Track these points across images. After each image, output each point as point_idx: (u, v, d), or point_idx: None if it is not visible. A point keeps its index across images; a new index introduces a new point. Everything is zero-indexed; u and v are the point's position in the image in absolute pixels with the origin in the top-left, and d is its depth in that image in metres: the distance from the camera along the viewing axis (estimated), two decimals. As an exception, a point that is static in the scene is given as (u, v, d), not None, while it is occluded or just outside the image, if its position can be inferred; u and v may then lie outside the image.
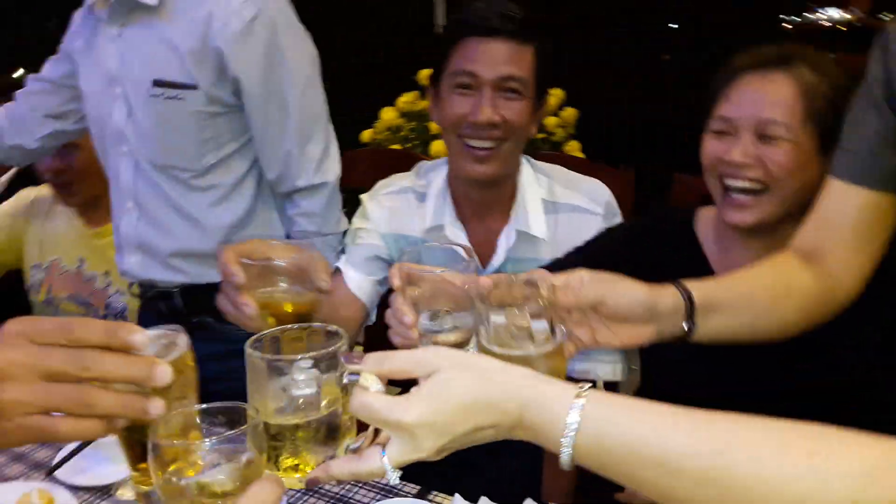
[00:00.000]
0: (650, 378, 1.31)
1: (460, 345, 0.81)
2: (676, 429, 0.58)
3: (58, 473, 1.07)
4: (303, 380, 0.64)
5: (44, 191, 1.86)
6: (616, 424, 0.59)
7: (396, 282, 0.82)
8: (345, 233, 1.49)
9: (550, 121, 2.76)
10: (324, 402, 0.65)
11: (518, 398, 0.61)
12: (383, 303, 1.37)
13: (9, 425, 0.55)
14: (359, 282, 1.32)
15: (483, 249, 1.36)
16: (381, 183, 1.45)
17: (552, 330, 0.75)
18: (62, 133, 1.62)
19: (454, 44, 1.27)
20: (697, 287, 0.89)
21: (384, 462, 0.60)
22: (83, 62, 1.49)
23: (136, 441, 0.67)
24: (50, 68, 1.59)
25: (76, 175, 1.74)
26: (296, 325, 0.73)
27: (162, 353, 0.67)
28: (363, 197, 1.43)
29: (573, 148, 2.76)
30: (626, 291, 0.85)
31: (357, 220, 1.42)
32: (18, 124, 1.58)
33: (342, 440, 0.66)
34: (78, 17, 1.54)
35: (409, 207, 1.39)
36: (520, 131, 1.29)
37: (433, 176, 1.41)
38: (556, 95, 2.80)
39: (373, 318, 1.38)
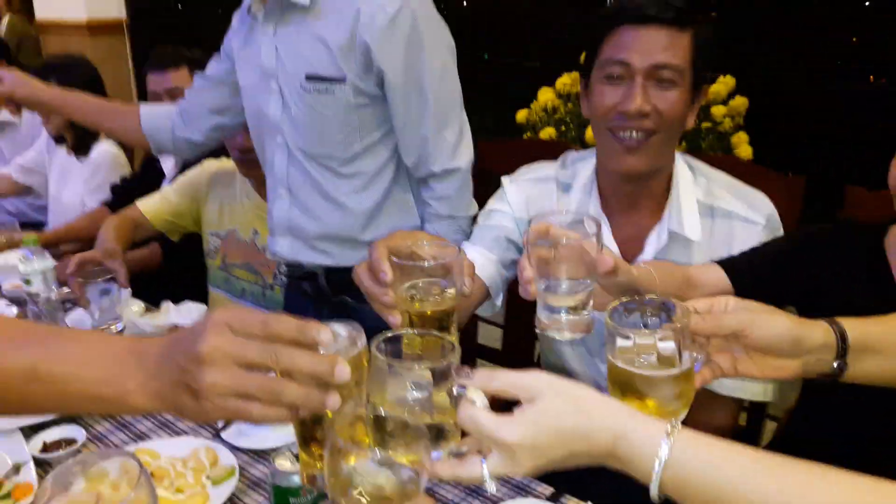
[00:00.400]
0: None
1: (576, 308, 0.84)
2: (764, 474, 0.60)
3: (223, 434, 1.19)
4: (418, 385, 0.70)
5: (226, 163, 2.03)
6: (704, 464, 0.62)
7: (527, 273, 0.85)
8: (475, 217, 1.50)
9: (718, 110, 2.63)
10: (434, 408, 0.71)
11: (612, 430, 0.64)
12: (510, 290, 1.36)
13: (207, 404, 0.63)
14: (483, 262, 1.30)
15: (629, 248, 1.30)
16: (524, 168, 1.44)
17: (680, 354, 0.75)
18: (225, 127, 1.75)
19: (607, 32, 1.22)
20: (853, 325, 0.83)
21: (484, 471, 0.66)
22: (241, 59, 1.60)
23: (309, 427, 0.74)
24: (213, 66, 1.71)
25: None
26: (418, 332, 0.81)
27: (343, 350, 0.71)
28: (504, 179, 1.42)
29: (741, 140, 2.61)
30: (772, 324, 0.81)
31: (493, 202, 1.41)
32: (188, 119, 1.73)
33: (447, 443, 0.72)
34: (236, 17, 1.65)
35: (550, 197, 1.37)
36: (673, 123, 1.22)
37: (580, 167, 1.37)
38: (725, 84, 2.66)
39: (497, 303, 1.37)
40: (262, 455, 1.16)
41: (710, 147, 2.64)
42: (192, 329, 0.66)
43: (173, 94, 2.11)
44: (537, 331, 0.88)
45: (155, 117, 1.75)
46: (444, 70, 1.46)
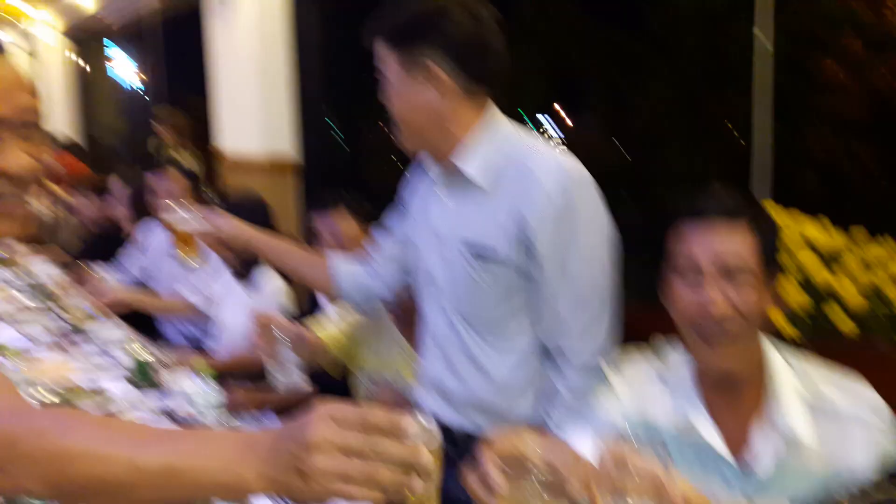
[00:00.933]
0: None
1: None
2: None
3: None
4: None
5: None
6: None
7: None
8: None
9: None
10: None
11: None
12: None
13: (315, 486, 0.75)
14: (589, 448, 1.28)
15: (738, 451, 1.25)
16: (623, 359, 1.44)
17: None
18: (406, 283, 1.84)
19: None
20: None
21: None
22: (416, 216, 1.71)
23: None
24: (397, 224, 1.81)
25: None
26: None
27: (426, 441, 0.80)
28: (606, 369, 1.43)
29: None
30: None
31: (602, 392, 1.39)
32: (377, 277, 1.83)
33: None
34: (415, 173, 1.76)
35: (654, 391, 1.33)
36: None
37: (676, 359, 1.35)
38: None
39: None
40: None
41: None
42: (300, 421, 0.77)
43: (336, 235, 2.33)
44: None
45: (350, 274, 1.82)
46: (594, 253, 1.51)
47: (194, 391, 2.03)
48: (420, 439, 0.78)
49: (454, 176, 1.57)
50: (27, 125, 1.00)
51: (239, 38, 4.80)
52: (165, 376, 2.26)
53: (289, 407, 2.24)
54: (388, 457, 0.75)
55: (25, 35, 11.47)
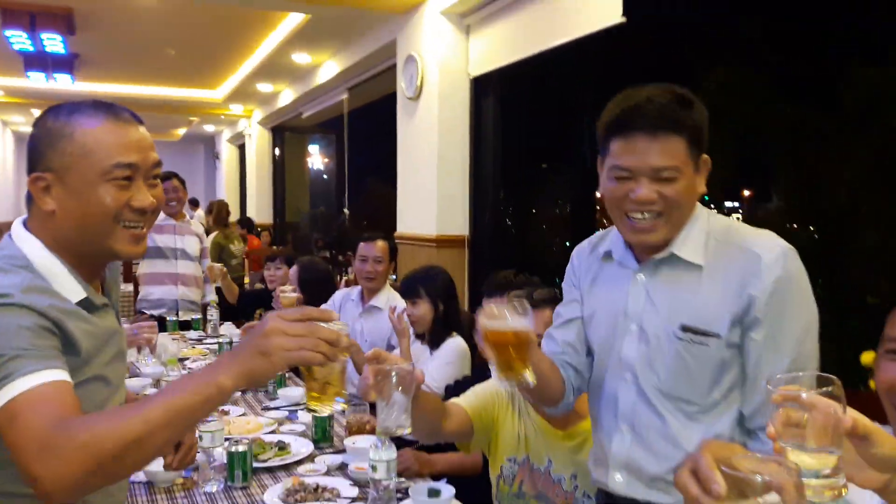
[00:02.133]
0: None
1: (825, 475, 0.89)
2: None
3: None
4: None
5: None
6: None
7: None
8: None
9: None
10: None
11: None
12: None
13: (275, 359, 1.03)
14: None
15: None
16: None
17: None
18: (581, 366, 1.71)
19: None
20: None
21: None
22: (592, 296, 1.66)
23: (313, 371, 1.21)
24: (573, 311, 1.68)
25: None
26: None
27: (343, 329, 1.10)
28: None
29: None
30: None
31: None
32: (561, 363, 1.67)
33: None
34: (579, 257, 1.72)
35: None
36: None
37: None
38: None
39: None
40: None
41: None
42: (257, 325, 1.07)
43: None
44: None
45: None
46: (806, 332, 1.46)
47: (368, 449, 2.13)
48: (339, 327, 1.09)
49: (663, 261, 1.54)
50: (153, 176, 1.29)
51: (423, 129, 4.92)
52: (342, 434, 2.40)
53: (453, 473, 2.29)
54: (321, 335, 1.04)
55: (237, 130, 13.02)
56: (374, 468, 1.74)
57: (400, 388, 1.43)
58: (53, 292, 1.19)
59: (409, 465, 2.07)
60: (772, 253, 1.45)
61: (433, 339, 2.95)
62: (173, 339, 3.56)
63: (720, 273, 1.47)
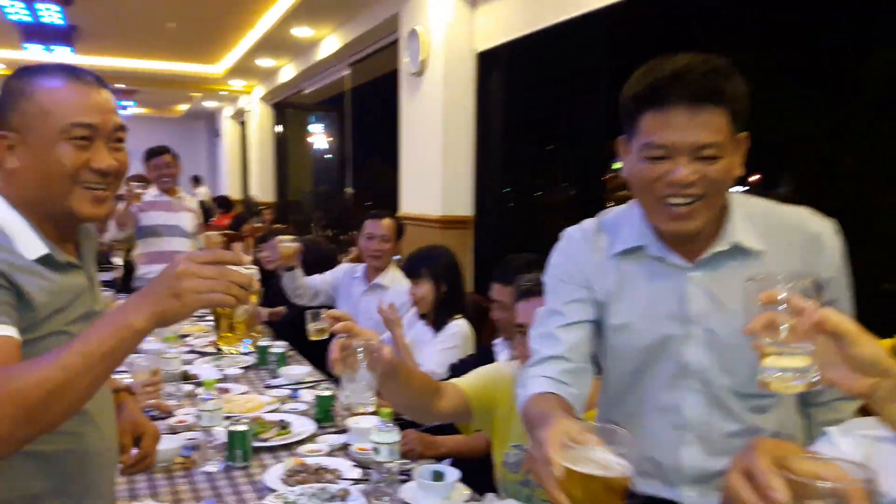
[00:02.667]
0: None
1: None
2: None
3: None
4: None
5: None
6: None
7: None
8: None
9: None
10: None
11: None
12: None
13: (186, 299, 1.03)
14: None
15: None
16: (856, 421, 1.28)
17: None
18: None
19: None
20: None
21: None
22: (625, 301, 1.45)
23: (225, 319, 1.26)
24: (579, 313, 1.47)
25: None
26: None
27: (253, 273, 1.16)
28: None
29: None
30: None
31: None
32: (573, 380, 1.46)
33: None
34: (580, 254, 1.50)
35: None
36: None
37: None
38: None
39: None
40: None
41: None
42: (168, 266, 1.06)
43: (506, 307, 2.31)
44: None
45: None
46: (849, 303, 1.42)
47: (371, 430, 2.09)
48: (251, 272, 1.14)
49: (723, 254, 1.41)
50: (116, 140, 1.28)
51: (427, 106, 4.83)
52: (345, 414, 2.36)
53: (459, 455, 2.26)
54: (233, 279, 1.06)
55: (238, 107, 12.90)
56: (376, 450, 1.70)
57: (366, 364, 1.40)
58: (9, 249, 1.20)
59: (412, 447, 2.03)
60: (827, 230, 1.37)
61: (436, 320, 2.90)
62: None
63: (781, 256, 1.35)
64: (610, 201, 4.54)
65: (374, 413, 2.18)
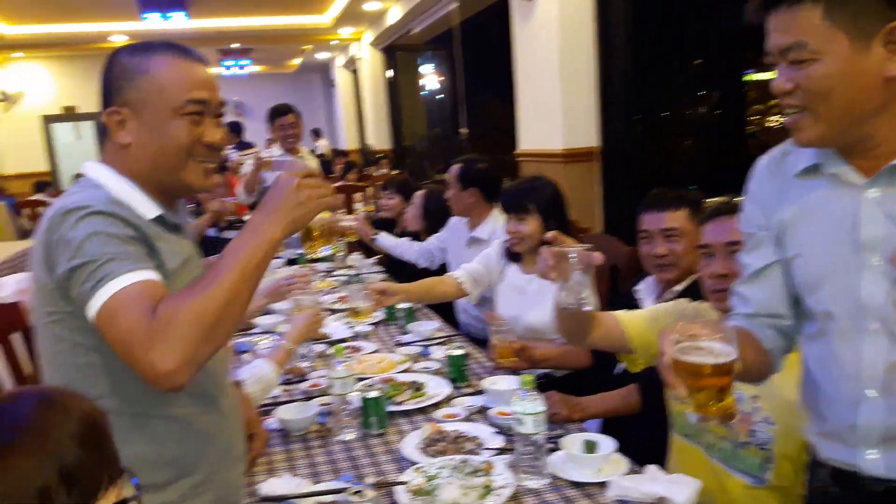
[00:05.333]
0: None
1: None
2: None
3: None
4: None
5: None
6: None
7: None
8: None
9: None
10: None
11: None
12: None
13: (310, 205, 1.21)
14: None
15: None
16: None
17: None
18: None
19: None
20: None
21: None
22: (791, 230, 1.29)
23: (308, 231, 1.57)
24: (758, 259, 1.32)
25: None
26: None
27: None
28: None
29: None
30: None
31: None
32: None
33: None
34: (765, 181, 1.33)
35: None
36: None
37: None
38: None
39: None
40: None
41: None
42: (282, 185, 1.21)
43: (668, 236, 2.07)
44: None
45: None
46: None
47: (509, 392, 1.94)
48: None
49: (890, 167, 1.15)
50: (219, 115, 1.33)
51: (542, 34, 4.51)
52: (480, 372, 2.23)
53: (610, 416, 2.07)
54: (329, 187, 1.25)
55: (349, 55, 12.90)
56: (520, 421, 1.54)
57: (580, 268, 1.45)
58: (132, 210, 1.24)
59: (556, 411, 1.85)
60: None
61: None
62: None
63: None
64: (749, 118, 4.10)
65: (512, 371, 2.03)
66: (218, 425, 1.35)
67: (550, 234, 1.53)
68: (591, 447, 1.58)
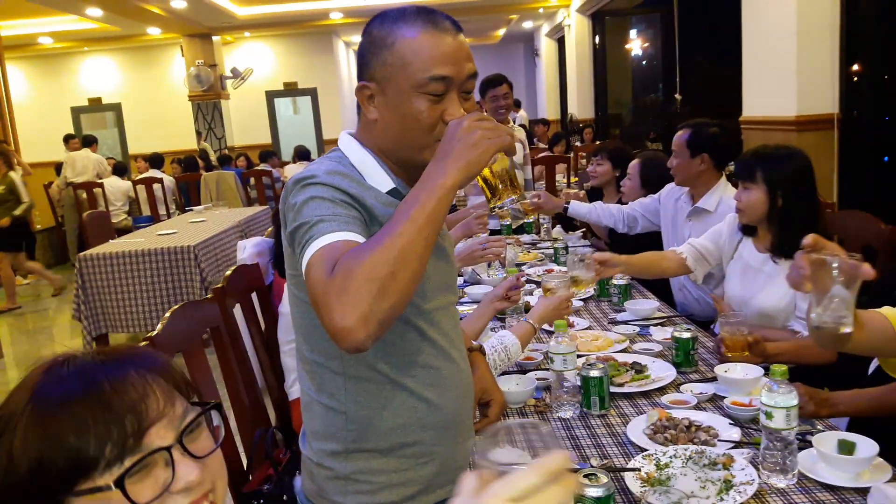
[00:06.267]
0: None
1: None
2: None
3: None
4: None
5: None
6: None
7: None
8: None
9: None
10: None
11: None
12: None
13: (483, 145, 1.12)
14: None
15: None
16: None
17: None
18: None
19: None
20: None
21: None
22: None
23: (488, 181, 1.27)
24: None
25: None
26: None
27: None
28: None
29: None
30: None
31: None
32: None
33: None
34: None
35: None
36: None
37: None
38: None
39: None
40: None
41: None
42: (452, 129, 1.15)
43: None
44: None
45: None
46: None
47: (748, 381, 1.77)
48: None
49: None
50: (468, 90, 1.26)
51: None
52: (707, 358, 2.06)
53: (868, 414, 1.82)
54: (505, 130, 1.16)
55: (555, 23, 12.69)
56: (768, 415, 1.39)
57: (841, 281, 1.26)
58: (360, 181, 1.25)
59: (801, 404, 1.66)
60: None
61: (775, 243, 2.25)
62: (508, 244, 3.46)
63: None
64: None
65: (756, 362, 1.86)
66: (443, 395, 1.33)
67: (809, 239, 1.34)
68: (847, 448, 1.39)
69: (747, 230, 2.40)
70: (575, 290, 2.31)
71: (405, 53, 1.20)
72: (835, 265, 1.26)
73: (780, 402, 1.37)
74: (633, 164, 3.63)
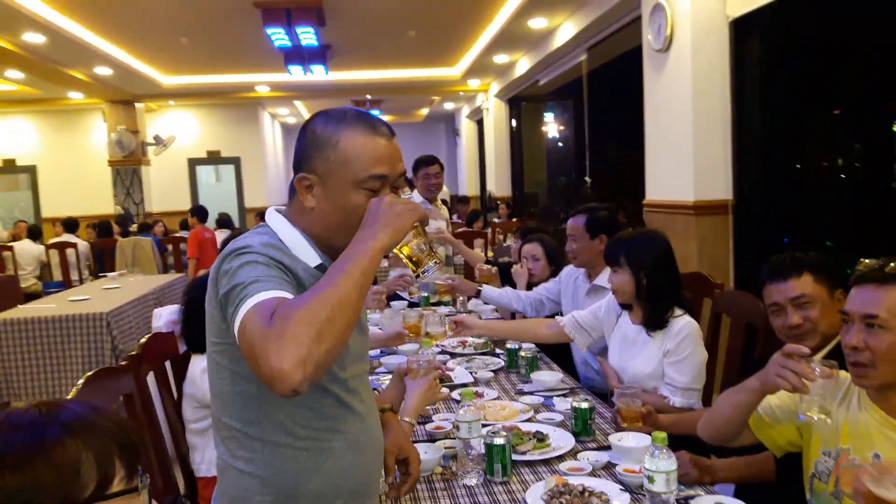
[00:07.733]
0: None
1: None
2: None
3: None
4: None
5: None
6: None
7: None
8: None
9: None
10: None
11: None
12: None
13: (403, 218, 1.28)
14: None
15: None
16: None
17: None
18: None
19: None
20: None
21: None
22: None
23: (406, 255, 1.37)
24: None
25: (879, 357, 1.59)
26: None
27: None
28: None
29: None
30: None
31: None
32: None
33: None
34: None
35: None
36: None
37: None
38: None
39: None
40: None
41: None
42: (375, 205, 1.29)
43: (799, 304, 1.93)
44: None
45: None
46: None
47: (638, 450, 1.89)
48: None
49: None
50: (397, 186, 1.40)
51: (674, 84, 4.51)
52: (605, 428, 2.19)
53: (740, 481, 1.98)
54: (413, 204, 1.31)
55: (475, 106, 13.22)
56: (650, 479, 1.51)
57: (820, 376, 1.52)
58: (289, 253, 1.33)
59: (686, 472, 1.80)
60: None
61: (647, 318, 2.46)
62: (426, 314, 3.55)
63: None
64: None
65: (649, 431, 1.99)
66: (360, 461, 1.41)
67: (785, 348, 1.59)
68: (724, 511, 1.52)
69: (624, 305, 2.62)
70: (429, 342, 2.65)
71: (348, 153, 1.33)
72: (816, 367, 1.53)
73: (660, 466, 1.49)
74: (529, 248, 3.85)
